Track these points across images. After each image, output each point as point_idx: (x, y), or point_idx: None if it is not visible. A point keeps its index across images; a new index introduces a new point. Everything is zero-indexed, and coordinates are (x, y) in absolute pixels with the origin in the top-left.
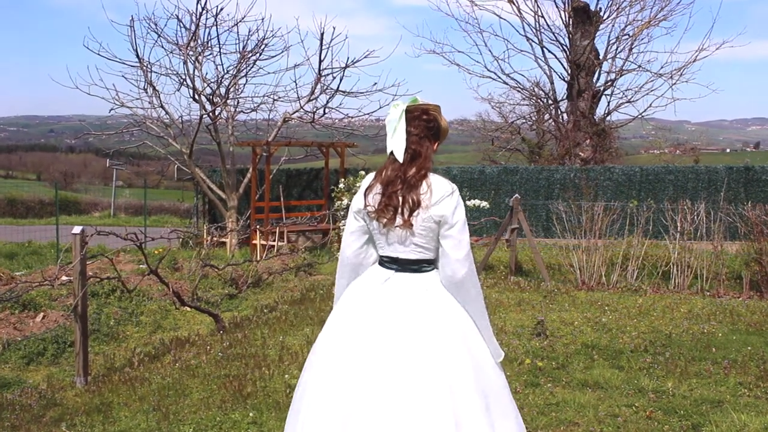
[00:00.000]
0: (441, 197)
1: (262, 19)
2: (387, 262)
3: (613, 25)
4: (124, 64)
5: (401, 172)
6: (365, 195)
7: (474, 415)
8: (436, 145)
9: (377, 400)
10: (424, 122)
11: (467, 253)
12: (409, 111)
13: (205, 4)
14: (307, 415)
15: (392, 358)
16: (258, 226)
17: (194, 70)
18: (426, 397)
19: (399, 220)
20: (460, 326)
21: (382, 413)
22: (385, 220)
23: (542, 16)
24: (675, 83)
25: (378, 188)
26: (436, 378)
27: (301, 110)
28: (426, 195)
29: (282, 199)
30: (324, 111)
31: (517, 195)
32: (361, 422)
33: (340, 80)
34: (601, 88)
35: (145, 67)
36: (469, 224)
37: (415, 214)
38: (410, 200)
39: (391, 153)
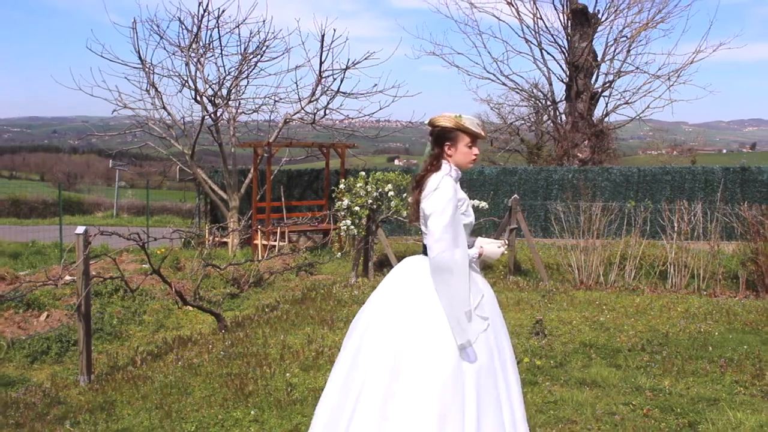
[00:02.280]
0: (428, 193)
1: (264, 21)
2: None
3: (611, 27)
4: (127, 65)
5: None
6: None
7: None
8: (448, 145)
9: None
10: (430, 135)
11: (435, 240)
12: None
13: (207, 6)
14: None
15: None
16: (259, 226)
17: (196, 72)
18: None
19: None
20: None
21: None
22: (412, 218)
23: (541, 18)
24: (672, 85)
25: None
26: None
27: (302, 111)
28: (423, 193)
29: (283, 199)
30: (324, 112)
31: (515, 195)
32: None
33: (341, 82)
34: (600, 90)
35: (147, 69)
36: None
37: (416, 210)
38: (412, 200)
39: None
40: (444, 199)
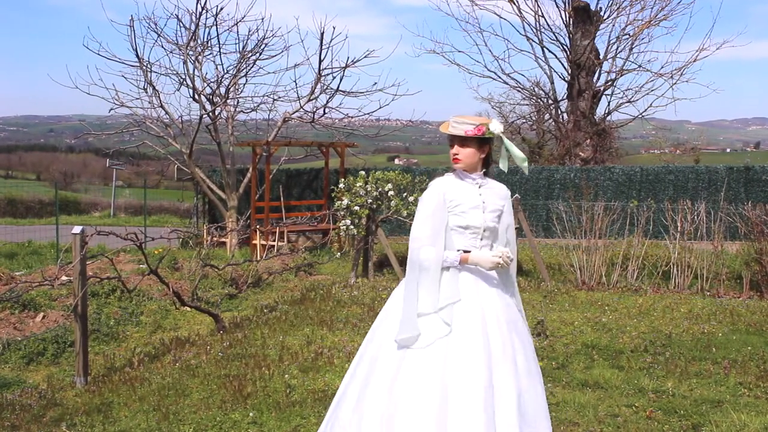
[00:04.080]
0: None
1: (262, 18)
2: None
3: (613, 25)
4: (124, 63)
5: None
6: None
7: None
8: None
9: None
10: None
11: (411, 237)
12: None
13: (205, 3)
14: None
15: None
16: (258, 226)
17: (194, 70)
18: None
19: None
20: None
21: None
22: None
23: (542, 16)
24: (675, 83)
25: None
26: None
27: (301, 110)
28: None
29: (282, 199)
30: (324, 111)
31: (517, 195)
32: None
33: (340, 80)
34: (602, 88)
35: (144, 67)
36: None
37: None
38: None
39: None
40: (423, 199)
